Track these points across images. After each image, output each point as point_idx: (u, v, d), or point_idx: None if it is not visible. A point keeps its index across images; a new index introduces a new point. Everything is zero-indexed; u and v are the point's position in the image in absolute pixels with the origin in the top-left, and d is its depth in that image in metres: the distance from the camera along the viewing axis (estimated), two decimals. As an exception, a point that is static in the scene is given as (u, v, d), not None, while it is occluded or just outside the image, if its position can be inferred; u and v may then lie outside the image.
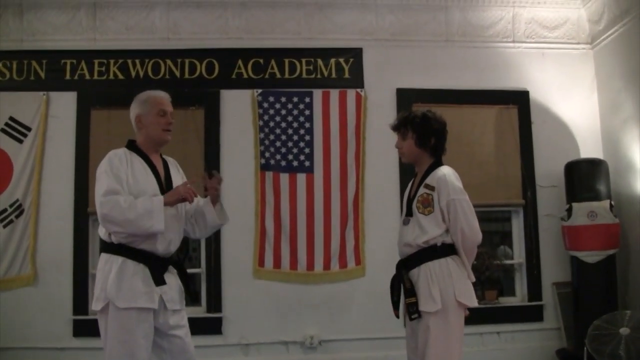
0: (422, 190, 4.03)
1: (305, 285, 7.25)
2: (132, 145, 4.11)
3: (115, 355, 3.77)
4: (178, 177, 4.27)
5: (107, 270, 3.81)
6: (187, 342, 4.10)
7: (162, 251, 3.95)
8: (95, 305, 3.84)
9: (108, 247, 3.90)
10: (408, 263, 4.06)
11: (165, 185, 4.07)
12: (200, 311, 7.25)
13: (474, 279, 4.05)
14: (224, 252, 7.22)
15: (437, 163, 4.11)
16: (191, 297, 4.27)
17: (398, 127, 4.20)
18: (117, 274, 3.77)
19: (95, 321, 6.66)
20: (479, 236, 3.98)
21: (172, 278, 4.02)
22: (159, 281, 3.86)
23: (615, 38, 7.51)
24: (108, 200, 3.74)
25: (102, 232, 3.94)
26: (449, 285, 3.89)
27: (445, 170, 4.03)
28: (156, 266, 3.89)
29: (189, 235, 4.39)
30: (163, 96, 4.22)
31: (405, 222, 4.11)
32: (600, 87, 7.87)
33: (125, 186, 3.84)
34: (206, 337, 6.91)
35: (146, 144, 4.12)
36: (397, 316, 4.19)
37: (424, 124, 4.08)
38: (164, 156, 4.29)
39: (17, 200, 7.13)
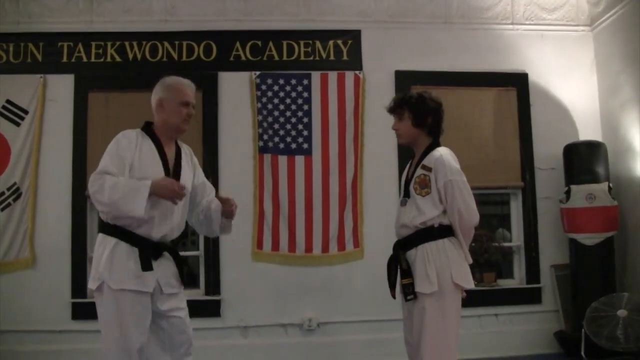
0: (419, 171, 4.02)
1: (304, 267, 7.25)
2: (147, 128, 4.10)
3: (109, 334, 3.79)
4: (187, 168, 4.22)
5: (101, 250, 3.84)
6: (186, 322, 4.12)
7: (158, 238, 3.93)
8: (91, 284, 3.88)
9: (104, 228, 3.92)
10: (405, 244, 4.05)
11: (173, 173, 4.05)
12: (198, 294, 7.26)
13: (471, 261, 4.05)
14: (222, 236, 7.22)
15: (435, 144, 4.10)
16: (185, 282, 4.21)
17: (394, 109, 4.18)
18: (110, 255, 3.78)
19: (94, 304, 6.71)
20: (476, 218, 3.97)
21: (167, 262, 4.01)
22: (146, 266, 3.83)
23: (614, 20, 7.49)
24: (96, 179, 3.75)
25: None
26: (445, 266, 3.88)
27: (442, 151, 4.01)
28: (147, 251, 3.87)
29: (191, 225, 4.40)
30: (189, 86, 4.21)
31: (403, 203, 4.10)
32: (599, 70, 7.85)
33: (125, 168, 3.84)
34: (205, 319, 6.92)
35: (162, 128, 4.10)
36: (394, 297, 4.18)
37: (420, 103, 4.07)
38: (179, 143, 4.26)
39: (15, 184, 7.11)
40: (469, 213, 3.92)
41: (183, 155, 4.23)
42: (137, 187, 3.74)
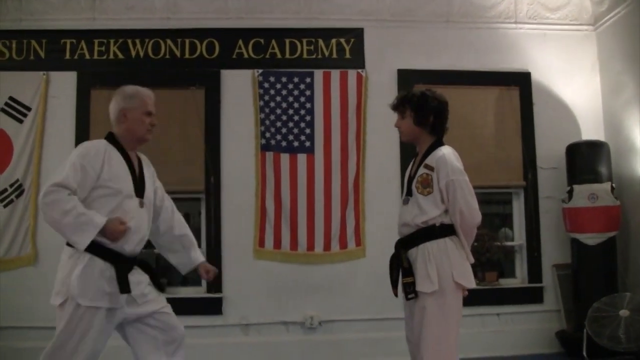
0: (421, 170, 4.02)
1: (306, 266, 7.25)
2: (112, 139, 4.04)
3: (64, 350, 3.73)
4: (150, 177, 4.21)
5: (70, 265, 3.76)
6: (174, 318, 4.12)
7: (129, 252, 3.91)
8: (54, 299, 3.79)
9: None
10: (406, 243, 4.05)
11: (139, 184, 4.03)
12: (200, 291, 7.28)
13: (472, 260, 4.04)
14: (224, 233, 7.22)
15: (438, 143, 4.09)
16: (162, 290, 4.18)
17: (397, 106, 4.18)
18: (83, 271, 3.71)
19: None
20: (478, 217, 3.96)
21: (138, 275, 3.99)
22: (124, 289, 3.80)
23: (618, 19, 7.48)
24: (54, 192, 3.65)
25: None
26: (446, 266, 3.88)
27: (445, 151, 4.00)
28: (123, 270, 3.84)
29: (150, 236, 4.32)
30: (150, 95, 4.18)
31: (405, 202, 4.10)
32: (602, 69, 7.84)
33: (87, 182, 3.77)
34: (206, 317, 6.94)
35: (125, 138, 4.06)
36: (396, 295, 4.18)
37: (422, 102, 4.06)
38: (137, 153, 4.22)
39: (18, 180, 7.12)
40: (470, 213, 3.91)
41: (144, 165, 4.21)
42: (89, 223, 3.66)
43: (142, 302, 3.95)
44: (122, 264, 3.85)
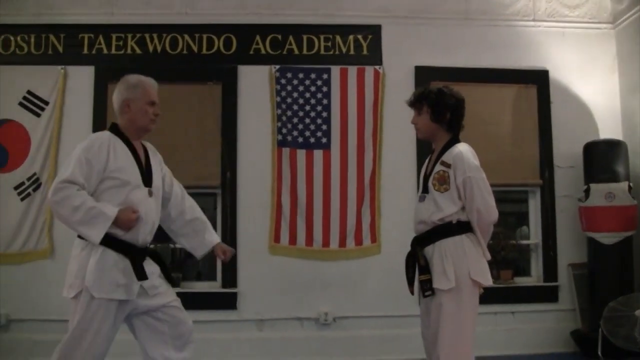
0: (438, 167, 4.00)
1: (321, 262, 7.26)
2: (116, 130, 4.05)
3: (79, 342, 3.75)
4: (157, 165, 4.22)
5: (83, 257, 3.77)
6: (183, 312, 4.13)
7: (141, 242, 3.93)
8: (68, 292, 3.81)
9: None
10: (423, 240, 4.04)
11: (146, 173, 4.05)
12: (215, 286, 7.30)
13: (489, 257, 4.03)
14: (239, 228, 7.23)
15: (454, 140, 4.07)
16: (172, 283, 4.19)
17: (414, 103, 4.17)
18: (98, 263, 3.73)
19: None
20: (495, 215, 3.95)
21: (150, 266, 4.00)
22: (142, 276, 3.84)
23: (637, 18, 7.43)
24: (63, 189, 3.68)
25: None
26: (463, 263, 3.86)
27: (461, 148, 3.98)
28: (138, 259, 3.87)
29: (162, 222, 4.36)
30: (154, 85, 4.17)
31: (421, 199, 4.09)
32: (621, 67, 7.80)
33: (94, 176, 3.78)
34: (221, 312, 6.96)
35: (129, 129, 4.06)
36: (412, 293, 4.17)
37: (438, 98, 4.05)
38: (143, 142, 4.22)
39: (35, 174, 7.17)
40: (487, 210, 3.89)
41: (150, 153, 4.21)
42: (100, 215, 3.69)
43: (153, 294, 3.97)
44: (136, 255, 3.88)
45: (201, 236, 4.35)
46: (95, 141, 3.89)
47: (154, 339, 4.03)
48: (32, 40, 7.40)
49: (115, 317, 3.82)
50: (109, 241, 3.75)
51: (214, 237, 4.39)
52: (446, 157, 3.99)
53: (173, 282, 4.21)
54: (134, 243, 3.87)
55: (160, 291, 4.03)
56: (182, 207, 4.34)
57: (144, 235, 3.94)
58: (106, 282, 3.72)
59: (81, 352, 3.74)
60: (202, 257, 4.44)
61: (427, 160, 4.27)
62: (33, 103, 7.25)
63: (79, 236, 3.84)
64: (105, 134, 4.00)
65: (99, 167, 3.79)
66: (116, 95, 4.11)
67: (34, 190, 7.15)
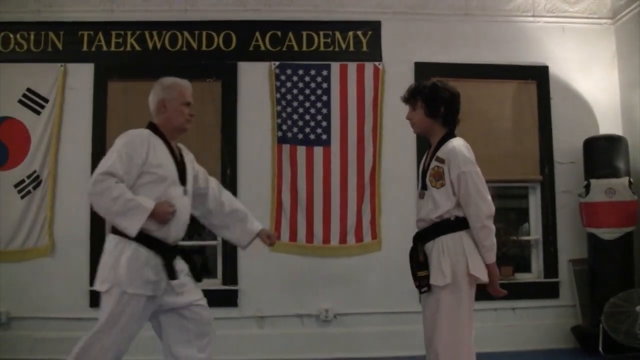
0: (434, 163, 3.98)
1: (321, 258, 7.26)
2: (154, 128, 4.11)
3: (109, 337, 3.78)
4: (190, 164, 4.27)
5: (117, 253, 3.82)
6: (208, 312, 4.18)
7: (172, 239, 3.99)
8: (100, 286, 3.84)
9: (117, 230, 3.88)
10: (423, 236, 4.03)
11: (181, 171, 4.11)
12: (216, 283, 7.30)
13: (489, 260, 3.95)
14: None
15: (449, 135, 4.04)
16: (199, 281, 4.24)
17: (408, 99, 4.15)
18: (130, 259, 3.79)
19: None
20: (491, 209, 3.86)
21: (179, 264, 4.05)
22: (173, 275, 3.91)
23: (637, 13, 7.42)
24: (102, 181, 3.73)
25: None
26: (461, 259, 3.83)
27: (455, 143, 3.94)
28: (170, 258, 3.94)
29: (200, 218, 4.46)
30: (189, 87, 4.24)
31: (421, 196, 4.06)
32: (620, 63, 7.79)
33: (134, 169, 3.84)
34: (222, 309, 6.93)
35: (166, 128, 4.12)
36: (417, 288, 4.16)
37: (432, 93, 4.02)
38: (176, 143, 4.28)
39: (35, 172, 7.17)
40: (483, 204, 3.83)
41: (184, 153, 4.27)
42: (138, 207, 3.75)
43: (180, 291, 4.00)
44: (168, 252, 3.94)
45: (243, 225, 4.42)
46: (136, 136, 3.96)
47: (179, 337, 4.05)
48: (32, 37, 7.39)
49: (142, 313, 3.87)
50: (141, 237, 3.80)
51: (256, 225, 4.46)
52: (441, 152, 3.95)
53: (200, 279, 4.26)
54: (165, 240, 3.93)
55: (187, 289, 4.06)
56: (220, 201, 4.40)
57: (175, 232, 3.99)
58: (138, 278, 3.78)
59: (104, 346, 3.78)
60: (248, 246, 4.53)
61: (424, 156, 4.25)
62: (33, 100, 7.25)
63: (113, 231, 3.90)
64: (145, 131, 4.06)
65: (138, 162, 3.86)
66: (152, 96, 4.18)
67: (34, 188, 7.15)
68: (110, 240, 3.91)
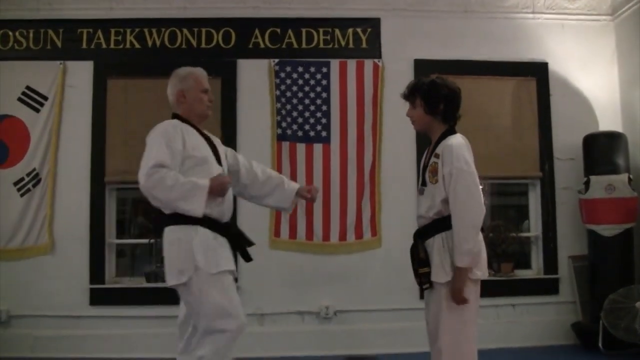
0: (432, 159, 3.97)
1: (321, 256, 7.26)
2: (179, 118, 4.18)
3: (220, 313, 3.90)
4: (220, 146, 4.37)
5: (185, 242, 3.87)
6: None
7: (226, 219, 4.11)
8: (177, 279, 3.88)
9: (182, 219, 3.91)
10: (424, 233, 4.02)
11: (215, 154, 4.21)
12: (215, 280, 7.29)
13: (462, 263, 3.71)
14: (240, 222, 7.18)
15: (449, 131, 4.02)
16: (248, 260, 4.35)
17: (408, 96, 4.13)
18: (202, 243, 3.87)
19: (111, 290, 6.76)
20: (480, 212, 3.76)
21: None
22: (248, 258, 4.19)
23: (636, 9, 7.41)
24: (154, 174, 3.79)
25: None
26: None
27: (454, 140, 3.89)
28: (239, 242, 4.16)
29: (237, 193, 4.58)
30: (204, 74, 4.32)
31: (421, 192, 4.05)
32: (620, 60, 7.79)
33: (177, 159, 3.91)
34: (222, 306, 6.94)
35: (189, 117, 4.20)
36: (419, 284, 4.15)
37: (431, 90, 4.00)
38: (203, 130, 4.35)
39: (34, 170, 7.16)
40: (472, 205, 3.73)
41: (212, 138, 4.36)
42: (196, 187, 3.82)
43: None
44: (234, 235, 4.16)
45: (281, 188, 4.51)
46: (168, 125, 4.05)
47: None
48: (31, 35, 7.38)
49: (234, 287, 4.07)
50: (202, 220, 3.88)
51: (293, 185, 4.56)
52: (439, 148, 3.94)
53: (250, 259, 4.33)
54: (221, 219, 4.03)
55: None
56: (253, 172, 4.50)
57: (228, 210, 4.12)
58: (214, 258, 3.88)
59: (228, 321, 4.00)
60: (291, 207, 4.62)
61: (425, 152, 4.24)
62: (32, 98, 7.25)
63: (171, 221, 3.95)
64: (174, 120, 4.15)
65: (178, 148, 3.94)
66: (170, 88, 4.25)
67: (34, 185, 7.15)
68: (171, 233, 3.97)
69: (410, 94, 4.09)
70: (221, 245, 3.97)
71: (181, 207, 3.82)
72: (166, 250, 3.97)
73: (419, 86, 4.06)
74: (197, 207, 3.80)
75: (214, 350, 3.91)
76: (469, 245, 3.70)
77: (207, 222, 3.91)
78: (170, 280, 3.93)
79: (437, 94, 3.98)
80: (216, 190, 3.89)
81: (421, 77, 4.24)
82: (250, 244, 4.32)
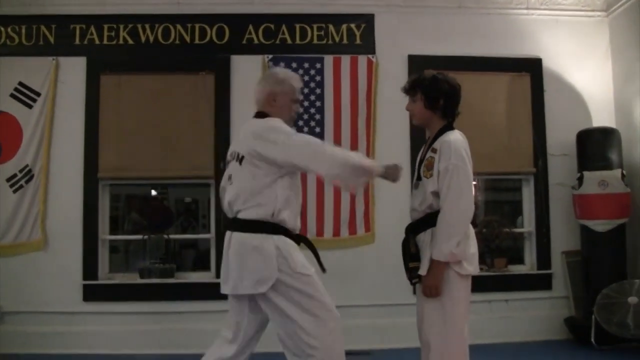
0: (429, 154, 3.97)
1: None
2: (265, 117, 4.02)
3: (322, 314, 3.86)
4: None
5: (269, 248, 3.70)
6: None
7: (297, 230, 3.97)
8: (260, 287, 3.72)
9: (262, 227, 3.75)
10: (416, 227, 4.02)
11: None
12: (209, 277, 7.30)
13: (436, 257, 3.74)
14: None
15: (448, 127, 4.03)
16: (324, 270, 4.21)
17: (408, 90, 4.13)
18: (287, 247, 3.73)
19: (104, 286, 6.73)
20: (470, 210, 3.79)
21: None
22: (324, 269, 4.08)
23: (631, 5, 7.42)
24: (317, 142, 3.83)
25: (255, 212, 3.77)
26: None
27: (452, 136, 3.89)
28: (316, 250, 4.10)
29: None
30: (299, 82, 4.20)
31: (415, 186, 4.06)
32: (614, 56, 7.80)
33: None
34: (215, 302, 6.85)
35: None
36: (410, 280, 4.14)
37: (432, 85, 4.00)
38: None
39: (27, 166, 7.14)
40: (462, 203, 3.74)
41: None
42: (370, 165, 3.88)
43: None
44: (310, 242, 4.11)
45: None
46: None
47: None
48: (23, 31, 7.35)
49: None
50: (281, 229, 3.77)
51: None
52: (436, 143, 3.95)
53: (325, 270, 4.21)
54: (294, 230, 3.89)
55: None
56: None
57: (299, 220, 4.01)
58: (299, 261, 3.75)
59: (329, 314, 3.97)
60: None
61: (422, 147, 4.24)
62: (25, 94, 7.22)
63: (254, 230, 3.77)
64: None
65: None
66: (262, 85, 4.12)
67: (27, 182, 7.13)
68: (253, 239, 3.76)
69: (411, 88, 4.08)
70: (298, 251, 3.87)
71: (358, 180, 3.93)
72: (245, 257, 3.78)
73: (420, 80, 4.06)
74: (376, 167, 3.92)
75: None
76: (452, 242, 3.70)
77: (286, 232, 3.81)
78: (251, 289, 3.80)
79: (438, 89, 3.98)
80: (395, 175, 3.93)
81: (422, 72, 4.22)
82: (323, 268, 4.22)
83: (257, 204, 3.73)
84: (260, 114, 4.04)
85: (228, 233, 3.89)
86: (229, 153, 4.04)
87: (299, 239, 3.99)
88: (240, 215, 3.80)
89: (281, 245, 3.72)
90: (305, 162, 3.77)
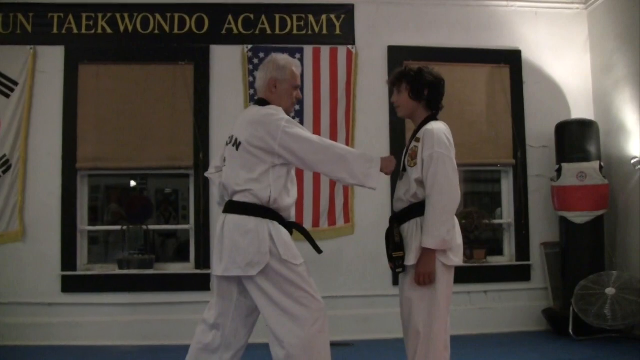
0: (413, 143, 3.99)
1: (294, 242, 7.23)
2: (265, 104, 4.01)
3: (308, 303, 3.90)
4: None
5: (260, 234, 3.72)
6: None
7: (291, 219, 4.00)
8: (252, 270, 3.72)
9: (257, 211, 3.77)
10: (400, 217, 4.03)
11: None
12: (189, 267, 7.29)
13: (432, 244, 3.74)
14: (212, 209, 7.18)
15: (431, 118, 4.06)
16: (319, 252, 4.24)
17: (394, 82, 4.15)
18: (280, 234, 3.76)
19: (83, 277, 6.68)
20: (457, 197, 3.82)
21: None
22: (319, 250, 4.09)
23: (609, -2, 7.47)
24: (321, 139, 3.84)
25: (250, 196, 3.77)
26: None
27: (435, 125, 3.93)
28: (308, 233, 4.09)
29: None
30: (300, 70, 4.17)
31: (401, 177, 4.07)
32: (593, 48, 7.83)
33: None
34: (195, 293, 6.90)
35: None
36: (392, 269, 4.14)
37: (417, 76, 4.03)
38: None
39: (5, 156, 7.08)
40: (449, 191, 3.77)
41: None
42: (371, 161, 3.82)
43: None
44: (303, 229, 4.12)
45: None
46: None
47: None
48: (0, 19, 7.27)
49: None
50: (277, 216, 3.80)
51: None
52: (420, 132, 3.97)
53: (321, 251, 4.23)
54: (288, 218, 3.93)
55: None
56: None
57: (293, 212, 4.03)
58: (292, 250, 3.81)
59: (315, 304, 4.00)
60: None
61: (409, 139, 4.25)
62: (2, 84, 7.16)
63: (251, 214, 3.77)
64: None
65: None
66: (263, 72, 4.08)
67: (4, 172, 7.07)
68: (247, 222, 3.77)
69: (397, 80, 4.10)
70: (290, 239, 3.92)
71: (365, 181, 3.85)
72: (238, 240, 3.78)
73: (406, 72, 4.08)
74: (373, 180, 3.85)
75: None
76: (442, 229, 3.72)
77: (280, 219, 3.84)
78: (240, 270, 3.78)
79: (423, 79, 4.00)
80: (390, 168, 3.88)
81: (403, 65, 4.22)
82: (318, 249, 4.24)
83: (252, 189, 3.75)
84: (260, 101, 4.04)
85: (222, 215, 3.88)
86: (228, 137, 4.03)
87: (292, 226, 4.00)
88: (236, 198, 3.82)
89: (274, 231, 3.75)
90: (302, 154, 3.79)
